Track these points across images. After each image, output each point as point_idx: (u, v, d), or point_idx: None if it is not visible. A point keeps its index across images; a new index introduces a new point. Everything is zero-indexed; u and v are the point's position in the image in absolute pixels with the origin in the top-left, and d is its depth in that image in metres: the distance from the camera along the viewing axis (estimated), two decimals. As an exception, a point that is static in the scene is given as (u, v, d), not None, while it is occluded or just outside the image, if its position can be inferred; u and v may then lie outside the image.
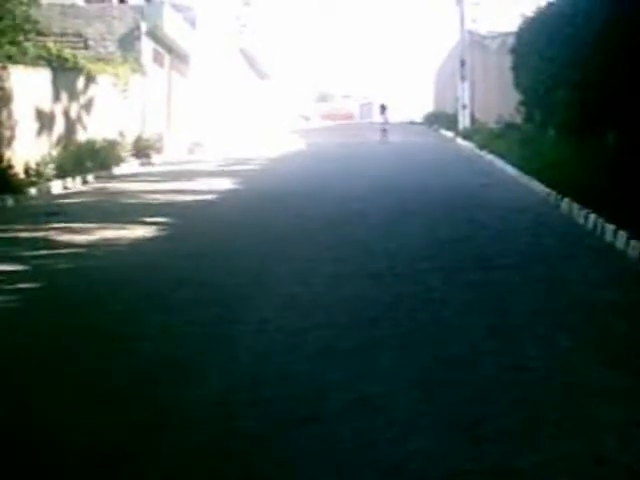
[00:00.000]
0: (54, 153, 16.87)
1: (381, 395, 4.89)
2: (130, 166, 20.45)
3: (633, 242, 8.71)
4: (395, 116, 39.98)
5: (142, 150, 22.32)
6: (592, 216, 10.49)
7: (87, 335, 6.16)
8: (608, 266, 8.57)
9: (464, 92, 33.47)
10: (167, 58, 28.45)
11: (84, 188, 16.27)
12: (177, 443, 4.28)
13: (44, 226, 11.06)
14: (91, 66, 20.25)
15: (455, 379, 5.16)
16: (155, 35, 25.76)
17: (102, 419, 4.57)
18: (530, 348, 5.78)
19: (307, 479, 3.92)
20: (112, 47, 24.35)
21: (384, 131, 31.25)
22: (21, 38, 16.84)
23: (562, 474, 3.91)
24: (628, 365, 5.42)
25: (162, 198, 14.33)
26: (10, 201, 13.52)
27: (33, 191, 14.65)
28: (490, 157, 21.81)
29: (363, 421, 4.51)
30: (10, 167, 14.55)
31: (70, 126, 18.52)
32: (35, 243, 9.89)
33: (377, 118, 45.92)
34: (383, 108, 33.58)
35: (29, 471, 4.02)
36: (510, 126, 23.08)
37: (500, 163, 19.86)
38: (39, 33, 18.65)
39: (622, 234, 9.12)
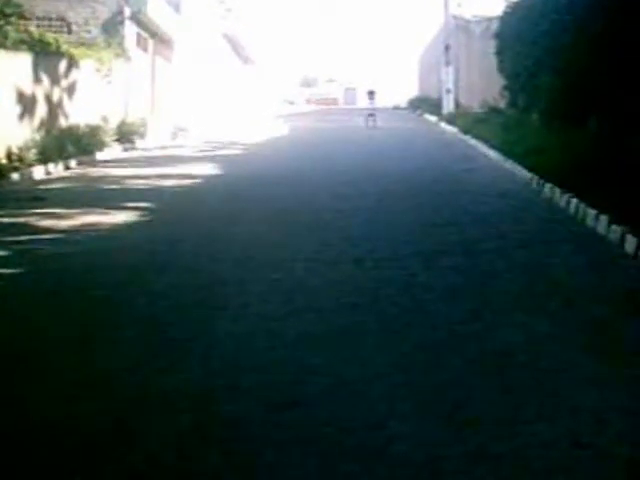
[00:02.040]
0: (37, 138, 16.78)
1: (362, 380, 4.91)
2: (113, 151, 20.35)
3: (614, 227, 8.76)
4: (379, 101, 39.98)
5: (125, 135, 22.22)
6: (574, 201, 10.53)
7: (69, 321, 6.15)
8: (589, 251, 8.60)
9: (448, 76, 33.51)
10: (151, 43, 28.33)
11: (66, 173, 16.20)
12: (159, 429, 4.29)
13: (26, 211, 11.02)
14: (74, 50, 20.12)
15: (436, 364, 5.18)
16: (139, 19, 25.64)
17: (84, 405, 4.57)
18: (511, 333, 5.81)
19: (287, 464, 3.92)
20: (95, 31, 24.19)
21: (371, 116, 31.24)
22: (2, 22, 16.76)
23: (541, 458, 3.93)
24: (607, 350, 5.46)
25: (145, 183, 14.29)
26: (-8, 186, 13.47)
27: (15, 176, 14.56)
28: (473, 141, 21.82)
29: (344, 406, 4.52)
30: (-9, 152, 14.50)
31: (52, 111, 18.42)
32: (17, 228, 9.86)
33: (362, 103, 45.99)
34: (371, 94, 33.58)
35: (13, 458, 4.02)
36: (494, 111, 23.14)
37: (483, 148, 19.88)
38: (21, 17, 18.56)
39: (603, 219, 9.16)
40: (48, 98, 18.14)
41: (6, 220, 10.50)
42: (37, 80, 17.53)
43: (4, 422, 4.39)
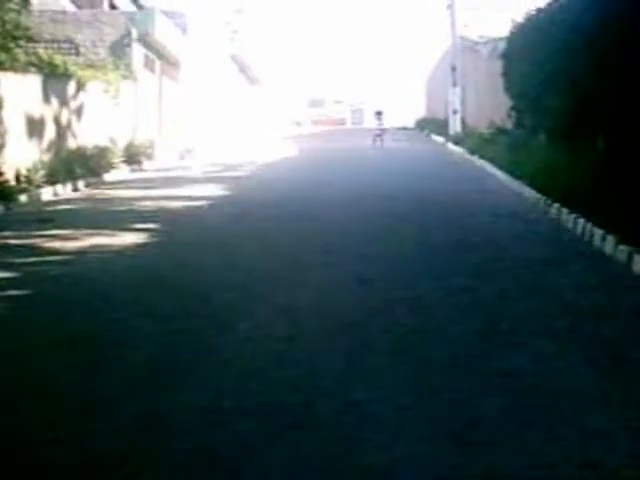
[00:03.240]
0: (45, 159, 16.85)
1: (369, 401, 4.89)
2: (121, 172, 20.43)
3: (621, 247, 8.74)
4: (386, 122, 40.12)
5: (133, 156, 22.31)
6: (581, 221, 10.52)
7: (75, 343, 6.15)
8: (596, 271, 8.58)
9: (455, 97, 33.57)
10: (158, 64, 28.45)
11: (74, 195, 16.26)
12: (164, 450, 4.28)
13: (34, 233, 11.04)
14: (82, 72, 20.25)
15: (444, 385, 5.16)
16: (146, 41, 25.77)
17: (89, 426, 4.57)
18: (519, 354, 5.79)
19: (294, 486, 3.92)
20: (103, 53, 24.36)
21: (378, 137, 31.36)
22: (11, 45, 16.86)
23: (549, 478, 3.92)
24: (615, 370, 5.44)
25: (152, 205, 14.32)
26: (0, 208, 13.50)
27: (23, 198, 14.63)
28: (481, 162, 21.84)
29: (351, 427, 4.51)
30: (0, 174, 14.54)
31: (61, 132, 18.51)
32: (24, 250, 9.88)
33: (369, 124, 46.08)
34: (379, 114, 33.67)
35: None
36: (501, 131, 23.12)
37: (491, 168, 19.89)
38: (30, 39, 18.67)
39: (610, 239, 9.15)
40: (56, 120, 18.24)
41: (13, 241, 10.53)
42: (45, 102, 17.64)
43: (6, 446, 4.39)
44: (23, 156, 15.94)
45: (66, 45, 24.01)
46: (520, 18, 20.87)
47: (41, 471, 4.10)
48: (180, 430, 4.53)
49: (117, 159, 20.86)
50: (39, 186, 15.50)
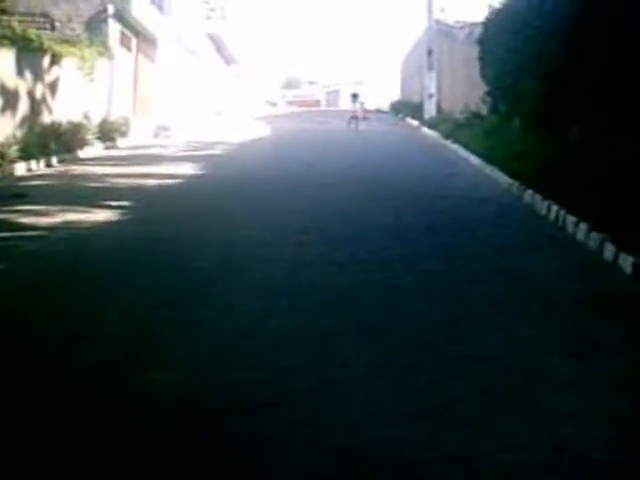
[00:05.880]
0: (18, 134, 16.73)
1: (342, 381, 4.93)
2: (95, 149, 20.31)
3: (593, 234, 8.81)
4: (368, 104, 40.22)
5: (107, 133, 22.17)
6: (554, 207, 10.59)
7: (49, 319, 6.13)
8: (568, 257, 8.64)
9: (431, 81, 33.63)
10: (134, 42, 28.29)
11: (48, 171, 16.15)
12: (141, 427, 4.29)
13: (6, 208, 10.97)
14: (57, 47, 20.08)
15: (417, 367, 5.20)
16: (122, 18, 25.59)
17: (67, 401, 4.58)
18: (491, 337, 5.84)
19: (267, 464, 3.93)
20: (79, 29, 24.14)
21: (353, 119, 31.39)
22: (-15, 17, 16.70)
23: (519, 460, 3.96)
24: (585, 355, 5.51)
25: (126, 182, 14.26)
26: (-27, 183, 13.42)
27: (-4, 173, 14.54)
28: (455, 147, 21.89)
29: (324, 407, 4.54)
30: (-27, 148, 14.44)
31: (35, 108, 18.36)
32: (-3, 225, 9.84)
33: (344, 106, 46.14)
34: (355, 96, 33.70)
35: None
36: (476, 116, 23.22)
37: (465, 153, 19.94)
38: (4, 12, 18.49)
39: (583, 226, 9.21)
40: (30, 95, 18.09)
41: (-14, 216, 10.46)
42: (19, 76, 17.48)
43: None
44: (-4, 131, 15.83)
45: (41, 19, 23.77)
46: (497, 3, 20.96)
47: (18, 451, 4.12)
48: (155, 407, 4.54)
49: (91, 136, 20.72)
50: (12, 161, 15.37)
